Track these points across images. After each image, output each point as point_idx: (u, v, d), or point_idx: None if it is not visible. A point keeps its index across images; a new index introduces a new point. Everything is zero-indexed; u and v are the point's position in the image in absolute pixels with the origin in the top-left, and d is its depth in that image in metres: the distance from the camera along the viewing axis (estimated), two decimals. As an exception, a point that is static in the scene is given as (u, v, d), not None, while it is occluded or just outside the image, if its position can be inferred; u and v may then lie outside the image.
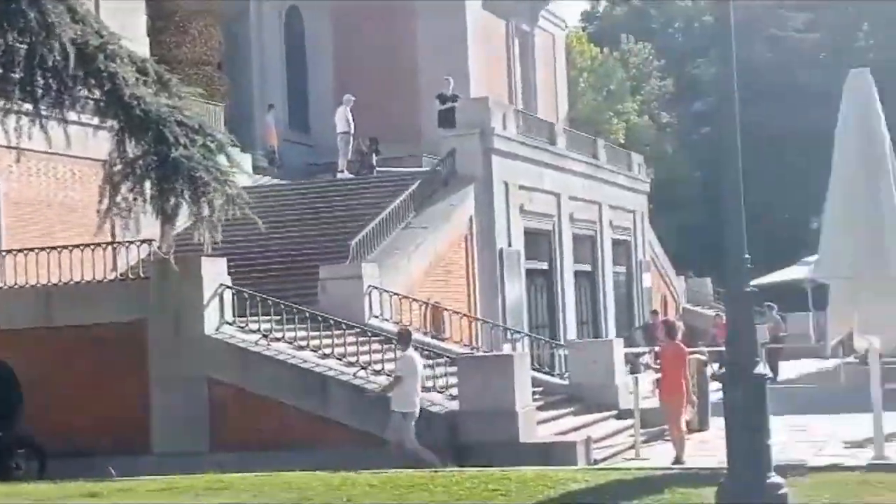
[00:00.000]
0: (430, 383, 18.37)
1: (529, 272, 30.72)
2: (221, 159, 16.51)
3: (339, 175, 32.42)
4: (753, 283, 13.56)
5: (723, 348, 31.83)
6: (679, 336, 17.58)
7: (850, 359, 31.79)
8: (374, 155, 33.35)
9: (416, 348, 17.91)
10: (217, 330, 19.06)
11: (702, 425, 20.51)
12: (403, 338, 17.53)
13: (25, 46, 13.69)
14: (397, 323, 22.07)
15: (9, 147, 15.58)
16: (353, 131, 32.97)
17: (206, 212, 15.76)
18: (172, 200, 14.77)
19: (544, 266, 32.34)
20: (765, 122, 56.33)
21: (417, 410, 16.81)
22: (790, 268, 42.34)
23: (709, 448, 17.91)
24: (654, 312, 35.09)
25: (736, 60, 13.51)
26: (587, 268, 35.65)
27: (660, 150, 63.91)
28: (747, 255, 12.22)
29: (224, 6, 36.60)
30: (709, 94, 66.64)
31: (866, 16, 72.64)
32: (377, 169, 32.94)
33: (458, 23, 40.06)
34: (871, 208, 15.25)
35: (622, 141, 56.16)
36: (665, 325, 18.58)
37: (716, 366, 22.50)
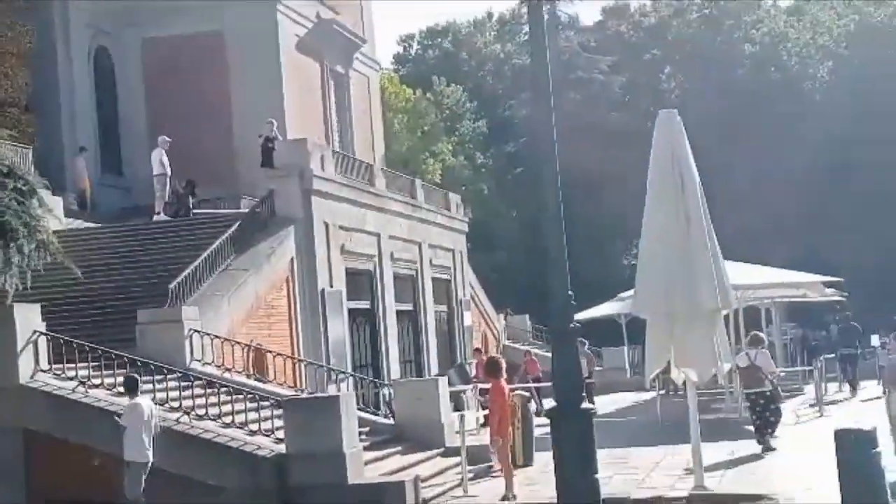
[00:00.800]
0: (255, 426, 18.15)
1: (352, 312, 30.70)
2: (33, 203, 16.04)
3: (155, 217, 31.85)
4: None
5: (534, 384, 32.58)
6: (502, 374, 17.77)
7: (666, 392, 32.70)
8: (190, 197, 32.89)
9: (148, 394, 17.61)
10: (32, 377, 18.48)
11: (526, 461, 20.74)
12: (128, 385, 17.28)
13: None
14: (219, 367, 21.76)
15: None
16: (169, 173, 32.47)
17: (15, 258, 15.27)
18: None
19: (367, 305, 32.37)
20: (576, 163, 57.64)
21: (146, 460, 16.61)
22: (606, 304, 43.29)
23: (535, 484, 18.12)
24: (477, 350, 35.38)
25: (552, 101, 13.85)
26: (409, 307, 35.80)
27: (476, 190, 64.80)
28: (571, 293, 12.49)
29: (30, 46, 35.71)
30: (521, 134, 67.96)
31: (668, 59, 75.33)
32: (194, 211, 32.49)
33: (271, 63, 39.87)
34: (682, 244, 15.75)
35: (439, 181, 56.72)
36: (489, 362, 18.74)
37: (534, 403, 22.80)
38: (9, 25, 34.81)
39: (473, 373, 31.07)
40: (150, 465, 16.67)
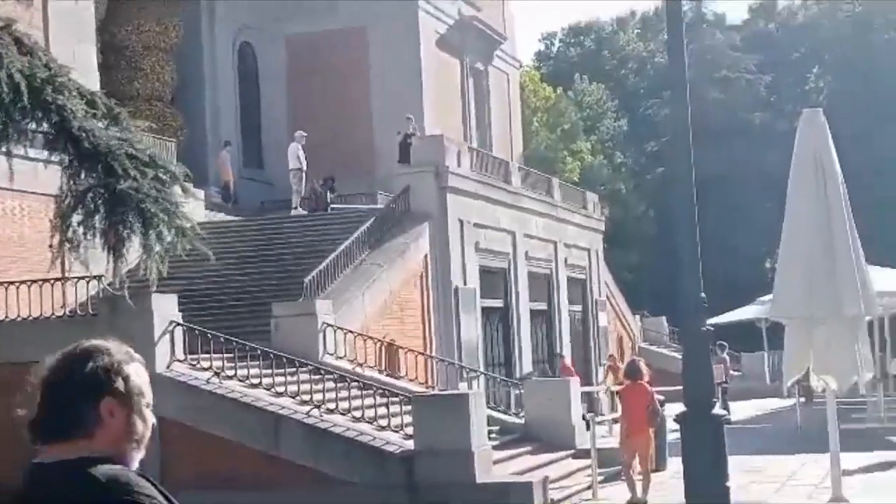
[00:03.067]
0: (384, 422, 18.15)
1: (485, 310, 30.57)
2: (175, 191, 16.24)
3: (293, 212, 32.20)
4: (709, 322, 13.51)
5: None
6: (643, 376, 17.48)
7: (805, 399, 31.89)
8: (328, 192, 33.17)
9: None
10: (168, 367, 18.74)
11: (658, 465, 20.37)
12: None
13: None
14: (351, 361, 21.84)
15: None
16: (304, 168, 32.79)
17: (155, 244, 15.47)
18: (122, 233, 14.48)
19: (500, 304, 32.21)
20: (719, 163, 56.76)
21: None
22: (745, 307, 42.41)
23: (665, 489, 17.77)
24: (560, 356, 33.02)
25: (688, 102, 13.52)
26: (543, 306, 35.54)
27: (614, 190, 64.19)
28: (703, 295, 12.17)
29: (176, 42, 36.41)
30: (662, 134, 67.10)
31: (816, 58, 73.58)
32: (332, 206, 32.75)
33: (412, 60, 40.07)
34: (825, 248, 15.24)
35: (577, 180, 56.32)
36: (629, 364, 18.52)
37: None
38: (156, 21, 35.52)
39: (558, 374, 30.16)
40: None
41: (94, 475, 3.06)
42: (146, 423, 3.27)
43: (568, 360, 32.46)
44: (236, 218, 31.92)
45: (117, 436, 3.17)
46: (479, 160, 31.91)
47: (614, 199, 60.72)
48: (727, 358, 35.36)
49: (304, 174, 32.86)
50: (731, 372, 37.01)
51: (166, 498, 3.15)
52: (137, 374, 3.27)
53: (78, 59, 24.22)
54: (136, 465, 3.20)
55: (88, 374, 3.16)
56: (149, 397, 3.29)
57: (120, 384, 3.18)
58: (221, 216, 32.07)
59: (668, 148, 60.54)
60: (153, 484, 3.13)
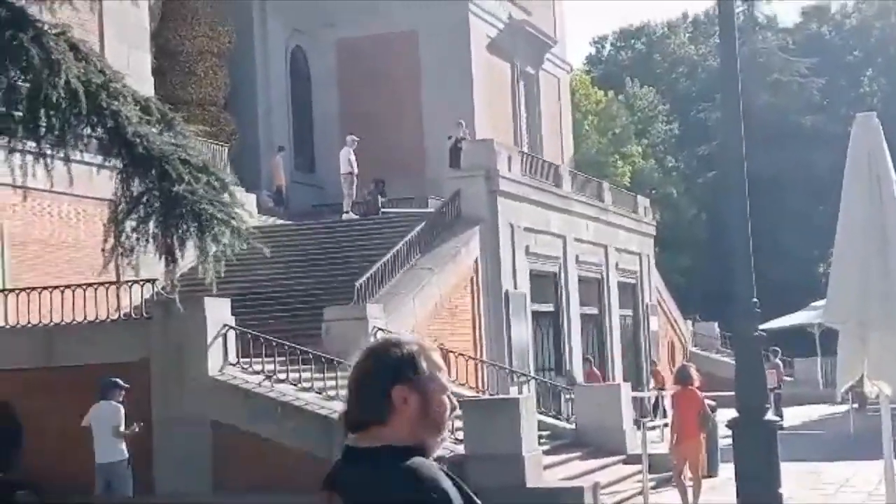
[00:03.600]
0: (434, 426, 18.17)
1: (535, 314, 30.53)
2: (225, 197, 16.35)
3: (344, 216, 32.33)
4: (761, 327, 13.42)
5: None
6: (693, 382, 17.40)
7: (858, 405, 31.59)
8: (379, 196, 33.27)
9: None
10: (220, 371, 18.89)
11: (710, 471, 20.26)
12: (102, 386, 16.90)
13: (28, 84, 13.60)
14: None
15: (13, 186, 15.49)
16: (356, 172, 32.91)
17: (211, 247, 15.58)
18: (177, 236, 14.61)
19: (550, 308, 32.16)
20: (771, 167, 56.35)
21: (103, 461, 16.63)
22: (798, 313, 42.13)
23: (717, 495, 17.68)
24: (588, 361, 32.04)
25: (741, 105, 13.44)
26: (594, 311, 35.45)
27: (665, 194, 63.90)
28: (755, 300, 12.10)
29: (229, 46, 36.68)
30: (714, 137, 66.70)
31: (870, 61, 72.87)
32: (383, 210, 32.84)
33: (463, 64, 40.11)
34: (880, 252, 15.08)
35: (628, 184, 56.13)
36: (679, 369, 18.44)
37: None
38: (209, 26, 35.80)
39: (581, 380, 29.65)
40: (110, 465, 16.66)
41: (399, 465, 3.30)
42: (441, 409, 3.46)
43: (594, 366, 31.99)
44: (288, 222, 32.08)
45: (412, 422, 3.39)
46: (529, 164, 31.89)
47: (665, 203, 60.45)
48: (780, 363, 35.08)
49: (355, 178, 32.97)
50: (784, 377, 36.70)
51: (465, 494, 3.34)
52: (430, 361, 3.49)
53: (132, 64, 24.51)
54: (435, 451, 3.41)
55: (382, 365, 3.42)
56: (444, 384, 3.50)
57: (410, 372, 3.41)
58: (273, 220, 32.24)
59: (719, 152, 60.22)
60: (453, 479, 3.35)
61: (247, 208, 22.21)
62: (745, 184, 13.06)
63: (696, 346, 48.15)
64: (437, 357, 3.53)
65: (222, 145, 31.11)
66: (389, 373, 3.41)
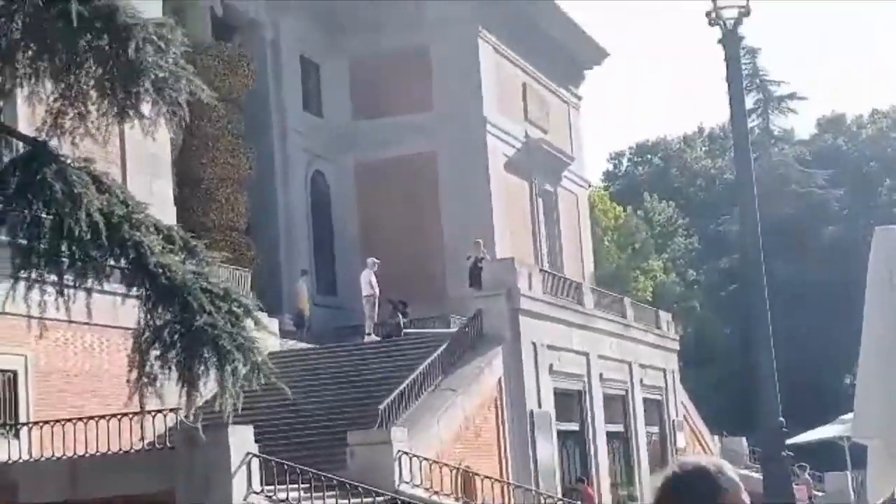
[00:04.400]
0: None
1: (561, 433, 30.25)
2: (248, 324, 16.41)
3: (366, 338, 32.31)
4: (789, 441, 13.25)
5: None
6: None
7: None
8: (401, 317, 33.29)
9: None
10: (245, 499, 18.72)
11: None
12: None
13: (51, 218, 13.78)
14: (427, 489, 21.66)
15: (37, 318, 15.57)
16: (377, 294, 32.98)
17: (230, 380, 15.61)
18: (198, 369, 14.64)
19: (576, 427, 31.88)
20: (792, 278, 56.26)
21: None
22: (827, 426, 41.65)
23: None
24: (581, 480, 30.77)
25: (759, 217, 13.47)
26: (619, 428, 35.12)
27: (688, 307, 63.75)
28: (781, 419, 11.97)
29: (250, 172, 37.02)
30: (734, 250, 66.71)
31: (887, 172, 73.12)
32: (405, 331, 32.81)
33: (481, 183, 40.41)
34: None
35: (649, 299, 56.03)
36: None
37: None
38: (230, 153, 36.21)
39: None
40: None
41: None
42: None
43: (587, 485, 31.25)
44: (310, 345, 32.06)
45: None
46: (550, 282, 31.91)
47: (688, 317, 60.29)
48: (809, 479, 34.63)
49: (376, 300, 33.03)
50: (815, 492, 36.17)
51: None
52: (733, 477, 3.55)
53: (155, 193, 24.78)
54: None
55: (691, 496, 3.47)
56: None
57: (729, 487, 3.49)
58: (295, 343, 32.25)
59: (740, 264, 60.20)
60: None
61: (269, 332, 22.31)
62: (767, 296, 13.01)
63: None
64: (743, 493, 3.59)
65: (244, 270, 31.24)
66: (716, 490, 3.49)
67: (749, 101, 64.18)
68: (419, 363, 25.77)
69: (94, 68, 13.76)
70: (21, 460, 20.64)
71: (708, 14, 10.37)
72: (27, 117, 17.94)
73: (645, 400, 37.31)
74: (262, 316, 21.70)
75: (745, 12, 10.34)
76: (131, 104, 13.92)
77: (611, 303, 36.75)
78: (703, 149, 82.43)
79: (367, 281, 32.96)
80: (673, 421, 40.05)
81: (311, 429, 24.45)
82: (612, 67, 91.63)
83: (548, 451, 28.89)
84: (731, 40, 10.44)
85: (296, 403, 24.72)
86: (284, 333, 32.36)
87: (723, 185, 74.85)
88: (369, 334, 32.63)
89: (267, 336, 22.70)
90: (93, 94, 13.93)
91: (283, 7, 39.49)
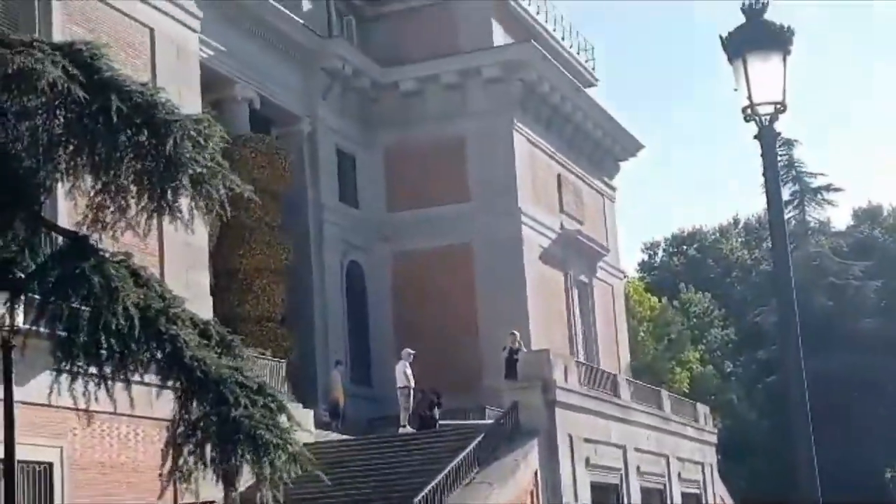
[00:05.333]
0: None
1: (597, 528, 29.92)
2: (283, 418, 16.38)
3: (401, 430, 32.16)
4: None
5: None
6: None
7: None
8: (436, 408, 33.14)
9: None
10: None
11: None
12: None
13: (89, 311, 13.90)
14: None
15: (73, 409, 15.61)
16: (412, 385, 32.90)
17: (267, 471, 15.53)
18: (234, 461, 14.60)
19: (612, 521, 31.54)
20: (831, 370, 55.68)
21: None
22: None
23: None
24: None
25: (797, 309, 13.37)
26: (657, 522, 34.72)
27: (725, 400, 63.18)
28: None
29: (286, 262, 37.19)
30: (771, 342, 66.20)
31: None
32: (440, 422, 32.65)
33: (516, 275, 40.45)
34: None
35: (686, 391, 55.60)
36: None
37: None
38: (267, 243, 36.42)
39: None
40: None
41: None
42: None
43: None
44: (345, 437, 31.93)
45: None
46: (586, 373, 31.76)
47: (726, 409, 59.75)
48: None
49: (411, 391, 32.94)
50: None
51: None
52: None
53: (191, 285, 24.92)
54: None
55: None
56: None
57: None
58: (329, 434, 32.12)
59: (777, 356, 59.71)
60: None
61: (304, 426, 22.22)
62: (805, 389, 12.87)
63: (763, 556, 46.79)
64: None
65: (279, 361, 31.25)
66: None
67: (785, 193, 64.21)
68: (454, 455, 25.60)
69: (133, 163, 13.95)
70: (54, 553, 20.56)
71: (744, 110, 10.37)
72: (68, 211, 18.15)
73: (683, 494, 36.86)
74: (297, 408, 21.69)
75: (782, 109, 10.35)
76: (169, 199, 14.08)
77: (647, 395, 36.50)
78: (739, 240, 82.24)
79: (403, 372, 32.92)
80: (711, 515, 39.54)
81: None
82: (647, 157, 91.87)
83: (584, 545, 28.54)
84: (767, 136, 10.43)
85: (330, 496, 24.57)
86: (319, 424, 32.25)
87: (759, 276, 74.51)
88: (404, 426, 32.49)
89: (301, 429, 22.61)
90: (132, 188, 14.12)
91: (319, 100, 39.98)
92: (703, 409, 41.81)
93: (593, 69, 52.32)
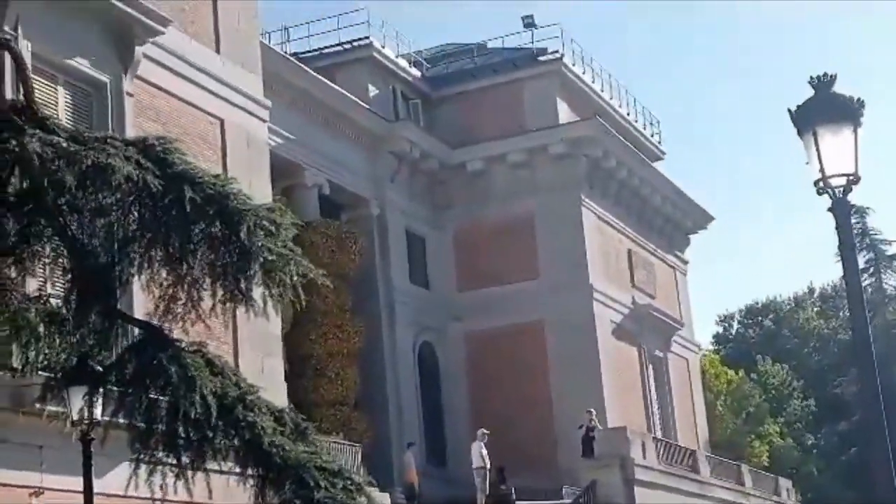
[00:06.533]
0: None
1: None
2: (362, 501, 16.32)
3: (477, 512, 31.88)
4: None
5: None
6: None
7: None
8: (501, 485, 32.77)
9: None
10: None
11: None
12: None
13: (167, 401, 13.99)
14: None
15: (151, 499, 15.66)
16: (488, 466, 32.66)
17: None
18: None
19: None
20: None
21: None
22: None
23: None
24: None
25: (879, 379, 13.14)
26: None
27: (807, 473, 61.98)
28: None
29: (358, 346, 37.27)
30: (853, 413, 65.02)
31: None
32: (517, 502, 32.31)
33: (590, 351, 40.20)
34: None
35: (766, 464, 54.64)
36: None
37: None
38: (339, 327, 36.54)
39: None
40: None
41: None
42: None
43: None
44: (421, 519, 31.74)
45: None
46: (664, 450, 31.41)
47: (808, 483, 58.58)
48: None
49: (487, 472, 32.70)
50: None
51: None
52: None
53: (266, 371, 25.00)
54: None
55: None
56: None
57: None
58: (407, 518, 31.97)
59: (860, 428, 58.56)
60: None
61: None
62: (892, 464, 12.61)
63: None
64: None
65: (355, 445, 31.18)
66: None
67: (860, 261, 63.37)
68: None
69: (206, 254, 14.08)
70: None
71: (816, 183, 10.27)
72: (142, 302, 18.34)
73: (767, 570, 36.15)
74: (374, 491, 21.57)
75: (855, 180, 10.24)
76: (243, 288, 14.17)
77: (727, 470, 35.96)
78: (815, 309, 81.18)
79: (478, 452, 32.71)
80: (797, 592, 38.68)
81: None
82: (719, 229, 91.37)
83: None
84: (840, 209, 10.31)
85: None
86: (396, 507, 32.12)
87: (837, 346, 73.42)
88: (481, 507, 32.20)
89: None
90: (206, 279, 14.24)
91: (387, 183, 40.31)
92: (784, 483, 41.14)
93: (660, 143, 52.31)
